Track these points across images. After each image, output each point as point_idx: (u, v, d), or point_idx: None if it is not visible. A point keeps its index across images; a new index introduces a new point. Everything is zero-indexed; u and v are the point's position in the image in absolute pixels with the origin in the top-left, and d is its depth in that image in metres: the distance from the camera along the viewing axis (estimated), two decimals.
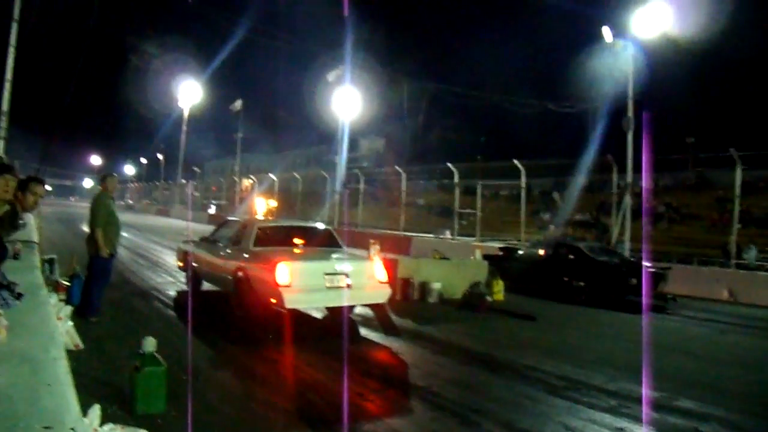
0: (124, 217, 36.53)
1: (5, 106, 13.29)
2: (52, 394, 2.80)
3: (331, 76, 34.55)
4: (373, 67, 35.48)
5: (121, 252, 18.06)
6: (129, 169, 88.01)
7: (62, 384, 2.99)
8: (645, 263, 14.45)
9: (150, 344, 5.28)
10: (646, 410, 6.25)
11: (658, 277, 13.75)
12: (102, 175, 9.57)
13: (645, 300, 12.71)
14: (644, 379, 7.36)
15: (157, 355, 5.29)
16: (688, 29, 18.84)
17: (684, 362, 8.73)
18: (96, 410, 4.09)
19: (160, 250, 20.91)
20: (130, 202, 75.47)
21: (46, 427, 2.37)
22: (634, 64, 19.79)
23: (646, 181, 20.59)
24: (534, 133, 39.70)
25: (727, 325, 12.63)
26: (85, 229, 9.13)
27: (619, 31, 19.86)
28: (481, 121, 49.36)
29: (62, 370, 3.22)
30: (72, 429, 2.37)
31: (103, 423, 4.21)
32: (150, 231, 31.38)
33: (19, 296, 4.85)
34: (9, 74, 13.26)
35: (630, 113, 20.00)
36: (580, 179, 30.05)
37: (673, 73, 25.45)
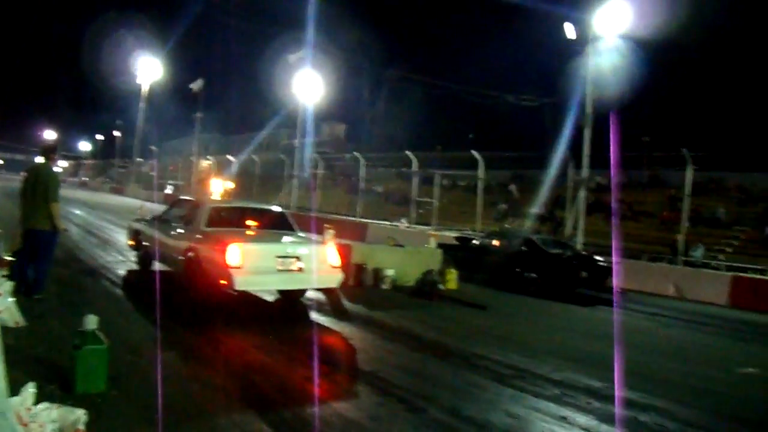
0: (77, 194, 35.86)
1: None
2: None
3: (292, 58, 34.28)
4: (335, 51, 35.33)
5: (72, 229, 17.75)
6: (84, 146, 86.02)
7: None
8: (597, 257, 14.76)
9: (92, 322, 5.16)
10: (589, 399, 6.39)
11: (607, 271, 14.05)
12: (49, 146, 9.29)
13: (597, 293, 13.01)
14: (590, 370, 7.56)
15: (98, 333, 5.18)
16: (648, 28, 19.15)
17: (628, 354, 8.85)
18: (29, 388, 3.99)
19: (112, 228, 20.53)
20: (85, 179, 73.87)
21: None
22: (593, 61, 20.05)
23: (614, 177, 21.01)
24: (494, 125, 39.98)
25: (672, 320, 12.99)
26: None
27: (581, 29, 20.10)
28: (441, 110, 49.47)
29: None
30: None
31: (39, 401, 4.12)
32: (103, 209, 30.81)
33: None
34: None
35: (588, 110, 20.28)
36: (537, 173, 30.48)
37: (632, 71, 25.84)
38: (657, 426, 5.77)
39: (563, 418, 5.73)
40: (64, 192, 9.08)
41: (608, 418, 5.83)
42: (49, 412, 4.03)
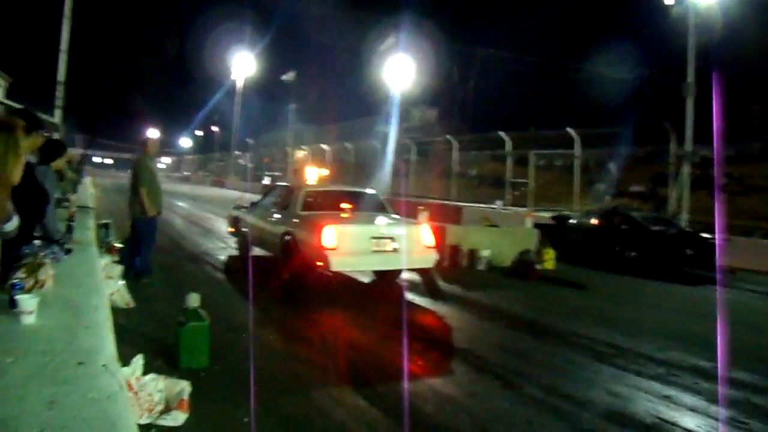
0: (180, 188, 37.46)
1: (61, 77, 13.65)
2: (89, 335, 2.88)
3: (383, 46, 34.41)
4: (424, 35, 35.14)
5: (176, 220, 18.56)
6: (185, 142, 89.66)
7: (100, 327, 3.06)
8: (703, 234, 13.98)
9: (194, 300, 5.37)
10: (696, 380, 6.07)
11: (716, 249, 13.29)
12: (143, 140, 9.74)
13: (706, 270, 12.32)
14: (697, 350, 7.18)
15: (201, 310, 5.39)
16: None
17: (741, 334, 8.37)
18: (139, 360, 4.20)
19: (213, 218, 21.28)
20: (186, 173, 77.01)
21: (79, 363, 2.43)
22: (694, 26, 18.98)
23: (717, 152, 19.85)
24: (589, 99, 38.64)
25: None
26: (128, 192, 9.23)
27: None
28: (533, 88, 48.38)
29: (102, 316, 3.30)
30: (104, 365, 2.42)
31: (147, 373, 4.33)
32: (204, 201, 32.01)
33: (68, 251, 5.00)
34: (64, 45, 13.59)
35: (690, 78, 19.22)
36: (637, 150, 29.26)
37: (737, 37, 24.27)
38: None
39: (668, 398, 5.47)
40: (169, 186, 9.51)
41: (718, 399, 5.51)
42: (156, 383, 4.22)
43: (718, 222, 14.47)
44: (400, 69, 33.54)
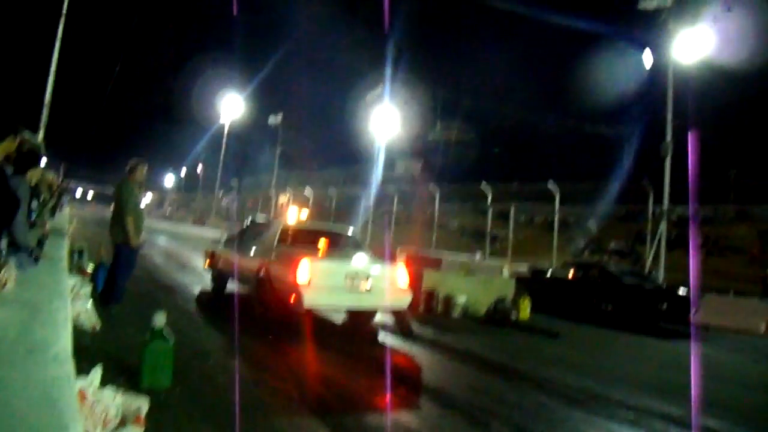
0: (161, 225, 37.18)
1: (47, 98, 13.67)
2: (45, 330, 2.82)
3: (369, 97, 34.85)
4: (410, 87, 35.70)
5: (153, 254, 18.36)
6: (169, 180, 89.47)
7: (57, 325, 3.01)
8: (680, 290, 14.09)
9: (160, 319, 5.28)
10: (666, 426, 6.04)
11: (690, 304, 13.39)
12: (133, 164, 9.03)
13: (679, 326, 12.39)
14: (668, 398, 7.16)
15: (166, 331, 5.29)
16: (732, 55, 18.49)
17: (712, 385, 8.38)
18: (97, 371, 4.09)
19: (190, 254, 21.10)
20: (168, 210, 76.69)
21: (29, 350, 2.38)
22: (673, 88, 19.46)
23: (692, 207, 20.14)
24: (569, 154, 39.17)
25: (763, 356, 12.22)
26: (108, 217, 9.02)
27: (658, 55, 19.58)
28: (516, 142, 49.01)
29: (61, 316, 3.25)
30: (56, 354, 2.37)
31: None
32: (183, 238, 31.76)
33: (36, 260, 4.93)
34: (53, 66, 13.65)
35: (668, 138, 19.63)
36: (617, 208, 29.61)
37: (714, 100, 24.87)
38: None
39: None
40: (149, 223, 9.36)
41: None
42: (114, 397, 4.10)
43: (693, 279, 14.62)
44: (386, 119, 33.95)
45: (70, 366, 2.34)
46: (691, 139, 17.05)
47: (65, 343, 2.70)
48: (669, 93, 19.58)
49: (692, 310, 13.22)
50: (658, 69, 19.83)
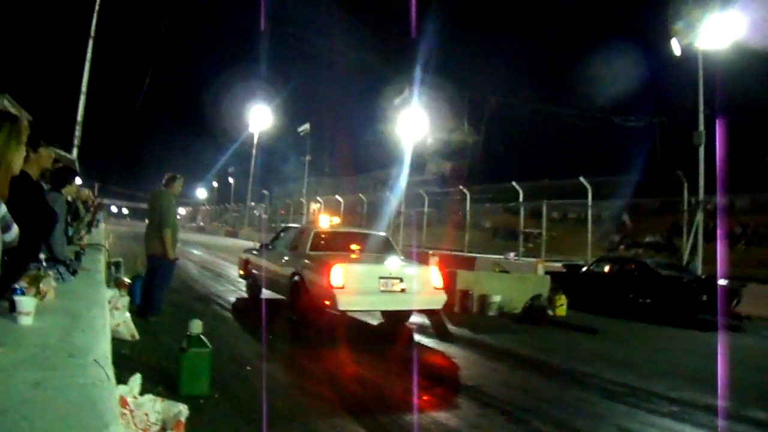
0: (195, 237, 37.54)
1: (80, 117, 13.96)
2: (85, 336, 2.87)
3: (397, 100, 34.91)
4: (438, 87, 35.66)
5: (188, 265, 18.60)
6: (201, 193, 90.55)
7: (96, 331, 3.05)
8: (720, 280, 13.77)
9: (196, 326, 5.34)
10: (710, 417, 5.91)
11: (731, 295, 13.08)
12: (170, 176, 9.16)
13: (719, 318, 12.11)
14: (710, 390, 6.99)
15: (203, 337, 5.36)
16: (765, 38, 18.01)
17: (758, 377, 8.23)
18: (137, 379, 4.16)
19: (225, 264, 21.31)
20: (201, 224, 77.57)
21: (69, 355, 2.43)
22: (703, 75, 19.09)
23: (720, 193, 19.68)
24: (602, 148, 38.66)
25: None
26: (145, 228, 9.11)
27: (685, 42, 19.20)
28: (546, 137, 48.51)
29: (99, 324, 3.30)
30: (95, 360, 2.41)
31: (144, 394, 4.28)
32: (218, 249, 32.11)
33: (74, 273, 5.02)
34: (84, 86, 13.95)
35: (701, 127, 19.25)
36: (651, 201, 29.16)
37: (750, 86, 24.30)
38: None
39: None
40: (184, 235, 9.44)
41: None
42: (153, 403, 4.16)
43: (720, 268, 14.31)
44: (414, 122, 33.95)
45: (109, 370, 2.38)
46: (719, 124, 16.72)
47: (104, 348, 2.74)
48: (699, 80, 19.20)
49: (731, 301, 12.91)
50: (688, 56, 19.45)
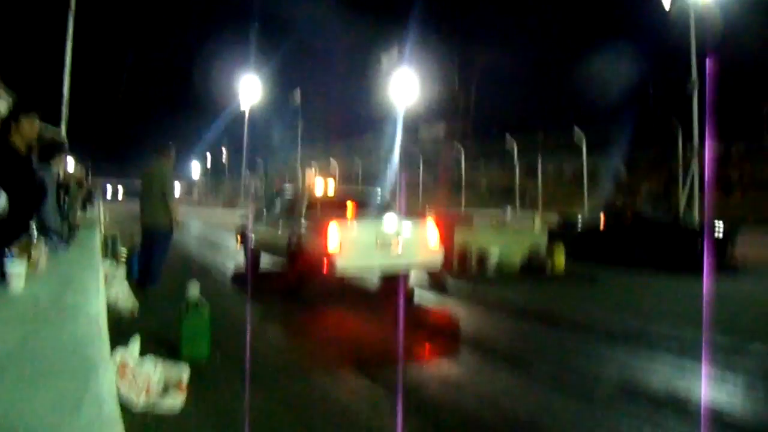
0: (191, 210, 37.39)
1: (66, 92, 13.77)
2: (76, 296, 2.86)
3: (386, 61, 34.60)
4: (427, 46, 35.32)
5: (185, 238, 18.56)
6: (195, 167, 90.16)
7: (88, 292, 3.04)
8: (715, 226, 13.80)
9: (194, 289, 5.34)
10: (714, 352, 5.94)
11: (726, 240, 13.15)
12: (163, 145, 8.84)
13: (711, 261, 12.18)
14: (711, 328, 7.02)
15: (201, 300, 5.35)
16: None
17: (754, 315, 8.30)
18: (136, 340, 4.15)
19: (222, 235, 21.31)
20: (197, 197, 77.46)
21: (60, 312, 2.41)
22: (696, 21, 18.88)
23: (709, 138, 19.54)
24: (594, 99, 38.28)
25: None
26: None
27: None
28: (537, 89, 47.96)
29: (93, 285, 3.28)
30: (87, 315, 2.40)
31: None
32: (214, 222, 32.12)
33: (67, 243, 4.99)
34: (68, 63, 13.73)
35: (694, 75, 19.10)
36: (646, 153, 29.07)
37: (744, 33, 24.00)
38: None
39: (682, 368, 5.37)
40: (180, 208, 9.32)
41: (734, 368, 5.37)
42: (155, 365, 4.16)
43: (715, 215, 14.33)
44: (405, 83, 33.65)
45: (102, 323, 2.37)
46: (708, 65, 16.56)
47: (97, 307, 2.73)
48: (692, 27, 19.00)
49: (726, 246, 12.98)
50: (681, 3, 19.19)
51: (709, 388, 4.85)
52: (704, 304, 8.84)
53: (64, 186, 9.67)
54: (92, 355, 1.83)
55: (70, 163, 24.35)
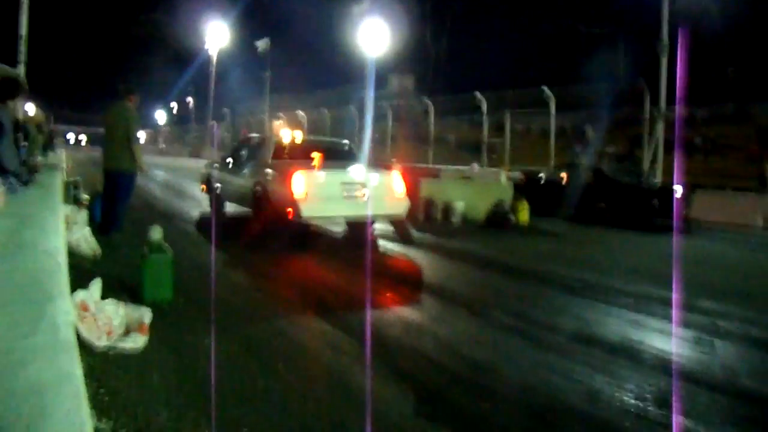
0: (157, 160, 36.88)
1: (23, 31, 13.30)
2: (34, 233, 2.82)
3: (356, 9, 34.04)
4: None
5: (150, 185, 18.35)
6: (160, 115, 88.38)
7: (47, 229, 3.01)
8: (673, 187, 14.08)
9: (156, 233, 5.31)
10: (663, 308, 6.14)
11: (683, 201, 13.46)
12: (126, 86, 8.68)
13: (672, 222, 12.48)
14: (664, 284, 7.23)
15: (164, 243, 5.33)
16: None
17: (709, 273, 8.52)
18: (97, 282, 4.13)
19: (187, 183, 21.10)
20: (163, 146, 76.16)
21: (18, 247, 2.39)
22: None
23: (679, 107, 19.84)
24: (564, 57, 38.27)
25: (760, 246, 12.32)
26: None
27: None
28: (508, 45, 47.76)
29: (51, 223, 3.24)
30: (45, 250, 2.38)
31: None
32: (180, 170, 31.71)
33: (25, 183, 4.90)
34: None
35: (664, 37, 19.17)
36: (614, 113, 29.25)
37: None
38: (739, 331, 5.48)
39: (636, 322, 5.53)
40: (145, 158, 9.16)
41: (685, 323, 5.57)
42: (117, 307, 4.15)
43: (677, 177, 14.63)
44: (375, 33, 33.17)
45: (60, 259, 2.35)
46: (681, 34, 16.68)
47: (55, 243, 2.70)
48: None
49: (682, 205, 13.30)
50: None
51: (659, 340, 5.03)
52: (658, 261, 9.12)
53: (22, 128, 9.46)
54: (49, 288, 1.83)
55: (31, 108, 23.73)
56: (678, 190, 13.67)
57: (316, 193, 8.53)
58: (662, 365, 4.36)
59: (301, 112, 39.42)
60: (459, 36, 48.64)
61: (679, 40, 17.29)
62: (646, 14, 20.30)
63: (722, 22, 28.50)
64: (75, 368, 1.38)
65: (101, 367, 3.57)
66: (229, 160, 11.42)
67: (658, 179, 18.84)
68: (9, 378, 1.25)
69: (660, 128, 20.07)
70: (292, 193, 8.42)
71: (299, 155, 9.90)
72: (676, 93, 18.29)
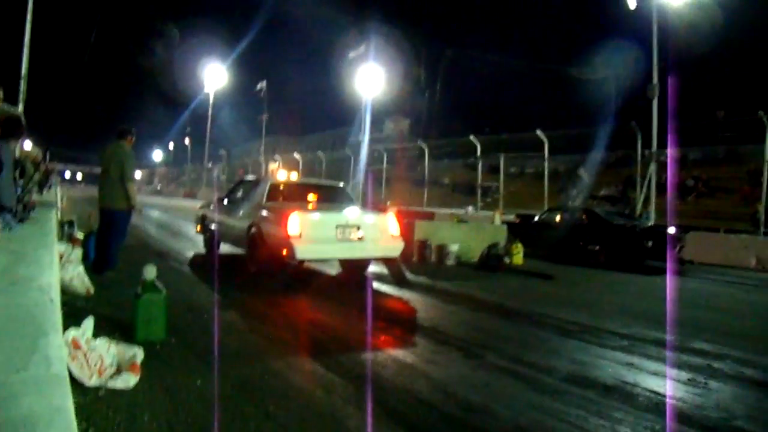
0: (152, 200, 37.01)
1: (24, 70, 13.47)
2: (29, 269, 2.83)
3: (352, 54, 34.55)
4: (393, 42, 35.39)
5: (145, 224, 18.36)
6: (157, 155, 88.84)
7: (41, 266, 3.01)
8: (666, 228, 14.18)
9: (151, 272, 5.30)
10: (658, 349, 6.14)
11: (676, 242, 13.54)
12: (123, 128, 8.80)
13: (665, 263, 12.52)
14: (658, 326, 7.24)
15: (157, 282, 5.32)
16: None
17: (703, 314, 8.55)
18: (90, 321, 4.12)
19: (182, 223, 21.10)
20: (158, 186, 76.37)
21: (12, 283, 2.39)
22: (658, 29, 19.30)
23: (671, 145, 20.07)
24: (557, 102, 38.83)
25: (754, 287, 12.34)
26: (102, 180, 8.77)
27: None
28: (502, 91, 48.52)
29: (46, 259, 3.25)
30: (39, 286, 2.38)
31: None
32: (175, 210, 31.75)
33: (21, 221, 4.92)
34: (27, 37, 13.42)
35: (655, 80, 19.51)
36: (607, 155, 29.57)
37: (701, 41, 24.65)
38: (734, 372, 5.47)
39: (630, 364, 5.51)
40: (141, 198, 9.20)
41: (679, 364, 5.57)
42: (108, 346, 4.13)
43: (670, 218, 14.75)
44: (371, 77, 33.67)
45: (54, 295, 2.36)
46: (670, 80, 16.99)
47: (50, 279, 2.70)
48: (654, 34, 19.42)
49: (675, 246, 13.39)
50: (644, 10, 19.59)
51: (654, 381, 5.01)
52: (652, 302, 9.13)
53: (19, 165, 9.49)
54: (43, 323, 1.83)
55: (27, 144, 23.82)
56: (671, 231, 13.77)
57: (311, 234, 8.56)
58: (657, 407, 4.35)
59: (296, 155, 39.65)
60: (454, 80, 49.32)
61: (669, 87, 17.60)
62: (637, 60, 20.64)
63: (710, 65, 29.03)
64: (67, 402, 1.38)
65: (91, 406, 3.54)
66: (225, 200, 11.45)
67: (652, 220, 18.98)
68: (2, 410, 1.25)
69: (653, 169, 20.28)
70: (287, 235, 8.45)
71: (295, 197, 9.97)
72: (668, 135, 18.57)
